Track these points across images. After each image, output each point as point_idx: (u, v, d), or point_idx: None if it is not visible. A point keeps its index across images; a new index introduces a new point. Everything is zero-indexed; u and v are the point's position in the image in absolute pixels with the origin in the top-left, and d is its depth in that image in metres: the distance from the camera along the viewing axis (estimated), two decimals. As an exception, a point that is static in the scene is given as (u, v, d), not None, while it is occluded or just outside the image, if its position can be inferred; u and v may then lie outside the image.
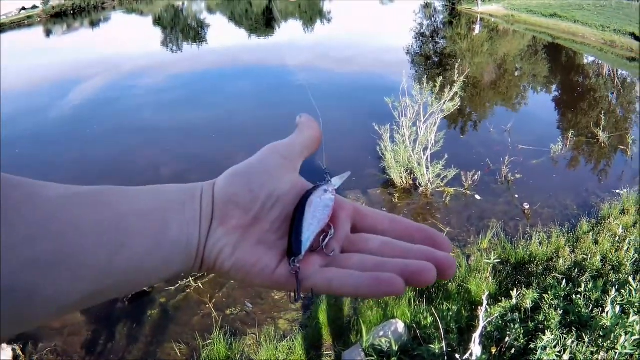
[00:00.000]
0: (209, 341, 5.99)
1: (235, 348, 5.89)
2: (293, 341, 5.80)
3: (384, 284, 0.63)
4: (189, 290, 7.08)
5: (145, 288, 6.68)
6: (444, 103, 8.68)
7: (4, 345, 6.23)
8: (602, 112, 11.99)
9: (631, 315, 4.57)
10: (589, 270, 5.99)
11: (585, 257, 6.42)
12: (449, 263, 0.67)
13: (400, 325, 5.51)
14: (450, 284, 6.39)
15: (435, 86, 8.64)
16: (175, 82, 17.63)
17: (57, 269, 0.53)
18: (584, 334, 4.61)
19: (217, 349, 5.79)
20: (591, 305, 5.15)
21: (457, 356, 4.32)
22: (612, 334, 4.50)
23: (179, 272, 0.67)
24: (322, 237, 0.72)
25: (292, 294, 0.69)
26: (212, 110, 14.36)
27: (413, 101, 8.72)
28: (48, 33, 33.07)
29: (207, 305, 6.76)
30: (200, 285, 7.12)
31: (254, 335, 6.18)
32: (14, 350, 6.23)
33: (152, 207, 0.64)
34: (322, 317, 6.11)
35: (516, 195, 8.82)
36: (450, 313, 5.60)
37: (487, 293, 4.52)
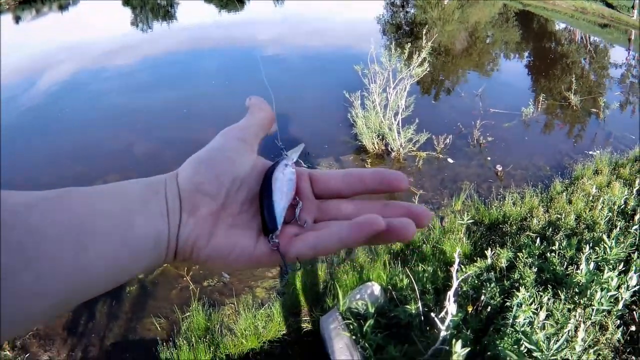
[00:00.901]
0: (188, 314, 6.02)
1: (214, 319, 5.90)
2: (271, 308, 5.82)
3: (366, 224, 0.63)
4: (165, 265, 6.98)
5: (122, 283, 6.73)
6: (413, 69, 8.67)
7: None
8: (574, 77, 12.07)
9: (606, 271, 4.61)
10: (563, 229, 6.05)
11: (559, 216, 6.48)
12: (424, 213, 0.69)
13: (376, 288, 5.54)
14: (424, 245, 6.45)
15: (403, 53, 8.63)
16: (145, 63, 17.36)
17: (19, 277, 0.52)
18: (559, 292, 4.67)
19: (197, 320, 5.80)
20: (566, 263, 5.22)
21: (433, 315, 4.33)
22: (588, 291, 4.54)
23: (151, 267, 0.67)
24: (294, 210, 0.75)
25: (282, 268, 0.73)
26: (183, 90, 14.20)
27: (382, 68, 8.70)
28: (17, 19, 32.66)
29: (184, 279, 6.76)
30: (177, 259, 7.07)
31: (232, 305, 6.20)
32: None
33: (115, 207, 0.63)
34: (299, 283, 6.14)
35: (489, 158, 8.85)
36: (426, 274, 5.65)
37: (458, 251, 4.52)
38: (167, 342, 5.52)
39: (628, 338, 4.55)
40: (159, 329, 6.06)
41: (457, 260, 4.25)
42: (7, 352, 6.01)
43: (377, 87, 8.79)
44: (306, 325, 5.73)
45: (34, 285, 0.53)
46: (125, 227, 0.62)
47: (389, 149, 9.17)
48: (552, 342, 3.46)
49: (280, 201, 0.72)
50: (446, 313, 4.24)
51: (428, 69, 8.94)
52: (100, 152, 10.85)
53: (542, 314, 4.17)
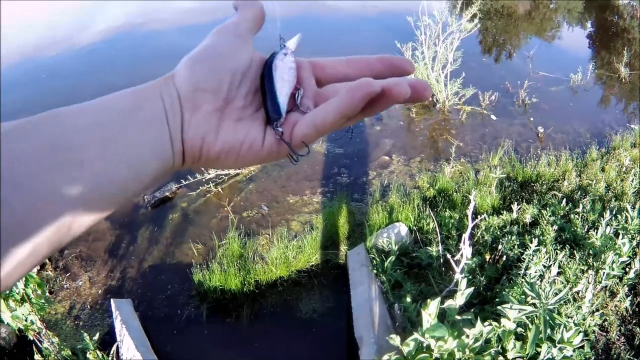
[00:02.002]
0: (225, 241, 6.29)
1: (248, 247, 6.20)
2: (303, 241, 6.09)
3: (359, 87, 0.63)
4: (209, 195, 7.36)
5: (167, 194, 7.04)
6: (463, 22, 8.72)
7: None
8: (630, 52, 11.82)
9: (620, 237, 4.71)
10: (590, 195, 6.13)
11: (590, 182, 6.54)
12: (422, 85, 0.68)
13: (403, 229, 5.76)
14: (455, 194, 6.61)
15: (455, 7, 8.65)
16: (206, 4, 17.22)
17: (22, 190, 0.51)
18: (575, 252, 4.81)
19: (232, 247, 6.08)
20: (587, 226, 5.34)
21: (449, 256, 4.50)
22: (602, 255, 4.67)
23: (158, 175, 0.66)
24: (295, 96, 0.74)
25: (291, 157, 0.72)
26: None
27: (434, 21, 8.76)
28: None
29: (225, 209, 7.05)
30: (220, 190, 7.41)
31: (267, 236, 6.48)
32: None
33: (107, 118, 0.61)
34: (332, 219, 6.38)
35: (532, 119, 8.85)
36: (452, 220, 5.81)
37: (474, 192, 4.67)
38: (202, 267, 5.84)
39: (637, 309, 4.67)
40: (196, 254, 6.37)
41: (472, 202, 4.40)
42: (50, 272, 6.33)
43: (427, 39, 8.88)
44: (334, 258, 5.99)
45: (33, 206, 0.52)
46: (117, 140, 0.60)
47: (435, 101, 9.24)
48: (552, 291, 3.63)
49: (282, 89, 0.72)
50: (461, 256, 4.42)
51: (478, 25, 8.94)
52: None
53: (554, 270, 4.33)
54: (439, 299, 3.70)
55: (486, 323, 3.60)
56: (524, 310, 3.57)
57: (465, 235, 4.28)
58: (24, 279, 3.98)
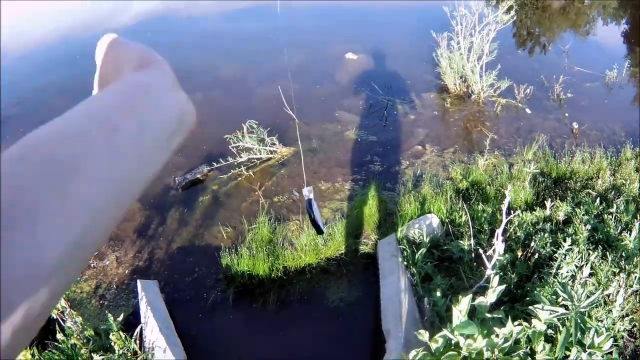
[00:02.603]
0: (254, 225, 6.34)
1: (278, 232, 6.24)
2: (333, 228, 6.09)
3: None
4: (240, 178, 7.39)
5: (199, 176, 7.05)
6: (500, 14, 8.65)
7: None
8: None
9: (655, 240, 4.67)
10: (624, 195, 6.04)
11: (624, 182, 6.44)
12: None
13: (435, 220, 5.74)
14: (489, 187, 6.57)
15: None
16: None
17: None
18: (608, 253, 4.76)
19: (262, 232, 6.12)
20: (620, 227, 5.28)
21: (481, 251, 4.49)
22: (635, 258, 4.63)
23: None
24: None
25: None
26: (269, 17, 14.18)
27: (470, 11, 8.71)
28: None
29: (256, 193, 7.09)
30: (251, 173, 7.45)
31: (297, 222, 6.50)
32: None
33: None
34: (363, 208, 6.39)
35: (566, 114, 8.73)
36: (485, 214, 5.78)
37: (509, 187, 4.63)
38: (230, 250, 5.85)
39: (668, 316, 4.60)
40: (225, 237, 6.40)
41: (507, 198, 4.38)
42: None
43: (463, 29, 8.83)
44: (364, 248, 6.00)
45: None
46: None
47: (470, 92, 9.20)
48: (585, 294, 3.61)
49: (319, 216, 2.27)
50: (494, 251, 4.41)
51: (514, 17, 8.87)
52: (186, 72, 11.08)
53: (586, 271, 4.31)
54: (470, 295, 3.70)
55: (516, 323, 3.59)
56: (556, 312, 3.56)
57: (499, 231, 4.27)
58: None
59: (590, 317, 3.97)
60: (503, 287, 3.90)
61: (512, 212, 4.99)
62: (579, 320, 3.49)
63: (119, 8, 15.46)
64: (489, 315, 3.84)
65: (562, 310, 3.56)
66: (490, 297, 3.84)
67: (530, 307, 3.73)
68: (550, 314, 3.56)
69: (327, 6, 14.36)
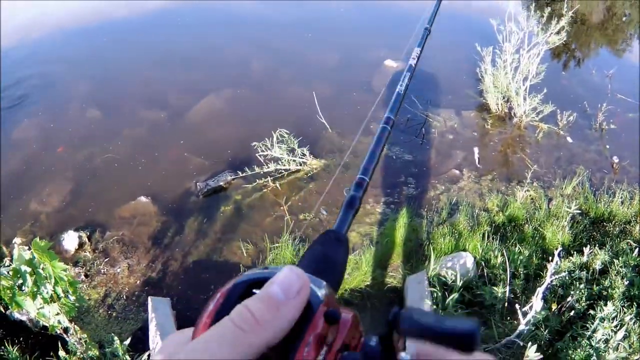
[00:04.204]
0: (277, 245, 6.26)
1: (301, 255, 6.10)
2: (360, 256, 6.05)
3: None
4: (265, 190, 7.36)
5: (222, 184, 7.02)
6: (550, 35, 8.59)
7: (70, 231, 6.60)
8: None
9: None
10: (663, 244, 6.01)
11: (662, 229, 6.40)
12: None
13: (469, 260, 5.71)
14: (526, 225, 6.52)
15: (542, 16, 8.52)
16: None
17: None
18: None
19: (284, 253, 6.06)
20: (657, 284, 5.26)
21: (517, 306, 4.51)
22: None
23: None
24: None
25: None
26: (310, 10, 14.26)
27: (518, 28, 8.60)
28: None
29: (282, 208, 7.01)
30: (277, 185, 7.40)
31: (323, 245, 6.40)
32: (80, 237, 6.58)
33: None
34: (395, 236, 6.37)
35: (607, 146, 8.67)
36: (521, 257, 5.75)
37: (559, 249, 4.64)
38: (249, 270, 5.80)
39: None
40: (245, 254, 6.39)
41: (555, 259, 4.40)
42: (88, 253, 6.42)
43: (510, 47, 8.74)
44: (391, 281, 5.97)
45: None
46: None
47: (512, 114, 9.15)
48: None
49: None
50: (530, 308, 4.43)
51: (564, 39, 8.79)
52: (216, 60, 11.22)
53: (620, 334, 4.34)
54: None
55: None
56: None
57: (540, 289, 4.31)
58: (52, 279, 3.99)
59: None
60: (540, 357, 3.92)
61: (550, 260, 4.97)
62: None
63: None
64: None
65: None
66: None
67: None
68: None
69: (369, 6, 14.29)
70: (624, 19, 15.41)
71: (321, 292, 0.67)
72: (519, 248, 5.95)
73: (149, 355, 4.80)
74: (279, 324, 0.58)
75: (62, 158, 8.29)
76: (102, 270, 6.23)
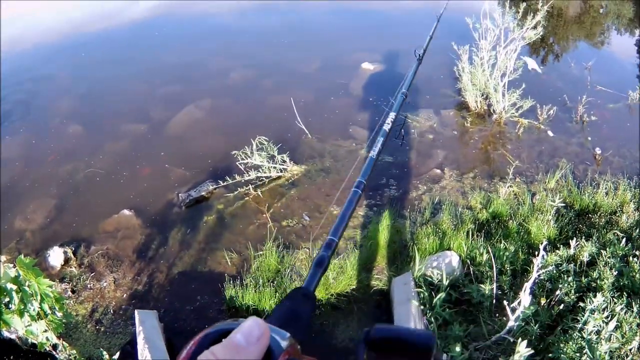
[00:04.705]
0: (261, 252, 6.19)
1: (286, 261, 6.11)
2: (345, 260, 5.97)
3: None
4: (247, 198, 7.28)
5: (203, 194, 6.93)
6: (526, 30, 8.53)
7: (55, 247, 6.51)
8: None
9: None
10: (651, 233, 5.94)
11: (649, 217, 6.34)
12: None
13: (454, 258, 5.63)
14: (511, 221, 6.43)
15: (518, 12, 8.49)
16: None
17: None
18: (633, 303, 4.68)
19: (268, 261, 6.00)
20: (646, 273, 5.18)
21: (506, 303, 4.42)
22: None
23: None
24: None
25: None
26: (286, 17, 14.24)
27: (494, 25, 8.54)
28: None
29: (264, 215, 6.93)
30: (259, 193, 7.32)
31: (307, 250, 6.37)
32: (65, 252, 6.49)
33: None
34: (379, 238, 6.28)
35: (589, 138, 8.63)
36: (507, 253, 5.66)
37: (545, 243, 4.56)
38: (234, 280, 5.75)
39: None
40: (230, 263, 6.30)
41: (541, 253, 4.32)
42: (74, 269, 6.33)
43: (487, 44, 8.70)
44: (377, 283, 5.86)
45: None
46: None
47: (492, 111, 9.10)
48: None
49: None
50: (519, 304, 4.34)
51: (541, 34, 8.75)
52: (197, 73, 11.19)
53: (612, 325, 4.24)
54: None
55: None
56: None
57: (527, 285, 4.23)
58: (39, 296, 3.99)
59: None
60: (530, 352, 3.81)
61: (536, 255, 4.87)
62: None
63: (126, 3, 15.44)
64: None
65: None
66: (515, 363, 3.76)
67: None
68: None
69: (343, 10, 14.28)
70: (601, 10, 15.44)
71: (284, 343, 0.79)
72: (504, 244, 5.85)
73: None
74: None
75: (46, 173, 8.23)
76: (89, 285, 6.14)
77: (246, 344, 0.67)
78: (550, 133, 8.69)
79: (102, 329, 5.61)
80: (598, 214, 6.59)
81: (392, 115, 2.26)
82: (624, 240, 5.61)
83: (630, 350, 4.27)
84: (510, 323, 4.41)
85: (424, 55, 3.52)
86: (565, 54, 12.40)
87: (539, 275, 5.04)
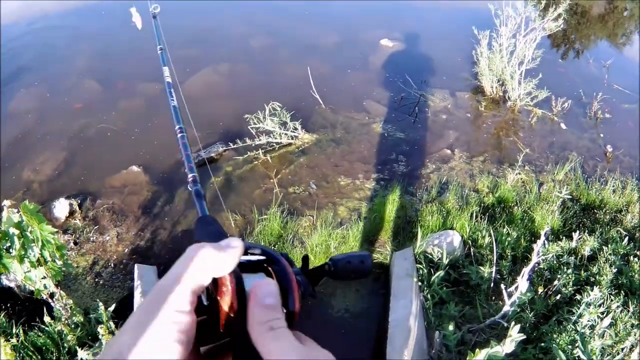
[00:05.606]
0: (265, 216, 6.16)
1: (289, 227, 6.07)
2: (348, 230, 5.92)
3: None
4: (256, 162, 7.24)
5: (213, 155, 6.88)
6: (547, 21, 8.42)
7: (61, 199, 6.49)
8: None
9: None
10: (654, 236, 5.87)
11: (654, 220, 6.27)
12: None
13: (456, 238, 5.57)
14: (516, 207, 6.38)
15: (540, 2, 8.38)
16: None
17: None
18: (630, 302, 4.62)
19: (272, 225, 5.98)
20: (646, 274, 5.11)
21: (503, 286, 4.36)
22: None
23: None
24: None
25: None
26: None
27: (516, 12, 8.43)
28: None
29: (272, 180, 6.86)
30: (269, 158, 7.28)
31: (310, 218, 6.33)
32: (70, 204, 6.46)
33: None
34: (382, 211, 6.24)
35: (601, 135, 8.51)
36: (509, 239, 5.59)
37: (547, 229, 4.49)
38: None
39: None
40: (233, 225, 6.23)
41: (542, 239, 4.25)
42: (78, 221, 6.30)
43: (507, 31, 8.59)
44: (378, 256, 5.81)
45: None
46: None
47: (506, 97, 9.00)
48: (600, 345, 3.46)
49: None
50: (516, 289, 4.28)
51: (562, 26, 8.63)
52: (218, 37, 11.15)
53: (606, 321, 4.17)
54: (487, 349, 3.55)
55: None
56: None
57: (526, 270, 4.16)
58: (40, 242, 3.94)
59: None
60: (522, 337, 3.74)
61: (539, 243, 4.80)
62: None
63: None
64: (503, 366, 3.68)
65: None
66: (508, 346, 3.68)
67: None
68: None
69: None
70: (625, 13, 15.23)
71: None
72: (507, 229, 5.77)
73: None
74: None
75: (59, 126, 8.17)
76: (92, 238, 6.10)
77: (225, 246, 0.77)
78: (563, 125, 8.58)
79: (101, 282, 5.59)
80: (603, 211, 6.50)
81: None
82: (626, 239, 5.54)
83: (623, 349, 4.21)
84: (506, 307, 4.34)
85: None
86: (586, 51, 12.19)
87: (538, 264, 5.00)
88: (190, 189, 1.59)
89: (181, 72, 9.43)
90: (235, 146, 7.25)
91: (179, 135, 1.95)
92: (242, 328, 0.73)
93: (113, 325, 4.46)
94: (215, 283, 0.77)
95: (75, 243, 6.04)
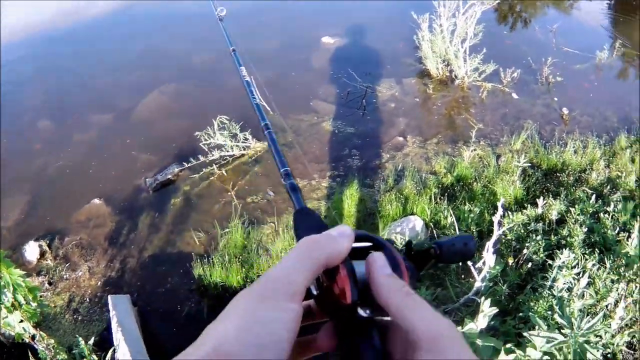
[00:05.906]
0: (227, 230, 6.09)
1: (252, 237, 5.98)
2: (310, 231, 5.73)
3: None
4: (212, 177, 7.17)
5: (169, 177, 6.88)
6: (483, -5, 8.35)
7: (30, 242, 6.43)
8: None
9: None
10: (621, 190, 5.84)
11: (619, 174, 6.25)
12: None
13: (418, 223, 5.49)
14: (475, 183, 6.32)
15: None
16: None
17: None
18: (606, 258, 4.51)
19: (234, 238, 5.89)
20: (618, 228, 5.03)
21: (470, 263, 4.24)
22: (635, 265, 4.36)
23: None
24: None
25: None
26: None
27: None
28: None
29: (229, 193, 6.84)
30: (224, 172, 7.19)
31: (272, 225, 6.24)
32: (40, 246, 6.40)
33: None
34: (342, 207, 6.17)
35: (555, 99, 8.47)
36: (472, 215, 5.52)
37: (502, 201, 4.33)
38: (202, 258, 5.67)
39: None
40: (197, 243, 6.17)
41: (500, 211, 4.10)
42: (50, 261, 6.25)
43: (446, 11, 8.50)
44: (343, 251, 5.66)
45: None
46: None
47: (454, 76, 8.91)
48: (585, 321, 3.30)
49: None
50: (483, 264, 4.14)
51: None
52: (157, 62, 11.00)
53: (584, 281, 4.04)
54: (460, 329, 3.38)
55: (511, 357, 3.28)
56: (553, 340, 3.25)
57: (489, 244, 4.00)
58: (11, 286, 3.99)
59: (589, 342, 3.65)
60: (495, 310, 3.57)
61: (501, 213, 4.67)
62: (578, 350, 3.18)
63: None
64: (479, 342, 3.51)
65: (560, 337, 3.24)
66: (481, 322, 3.52)
67: (525, 334, 3.42)
68: (548, 342, 3.25)
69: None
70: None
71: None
72: (469, 206, 5.72)
73: (113, 350, 4.71)
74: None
75: (19, 169, 8.08)
76: (65, 276, 6.07)
77: (338, 236, 0.76)
78: (514, 95, 8.52)
79: (79, 318, 5.52)
80: (566, 173, 6.44)
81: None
82: (593, 197, 5.48)
83: (607, 306, 4.08)
84: (477, 284, 4.20)
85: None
86: (533, 19, 12.23)
87: (504, 235, 4.86)
88: (284, 182, 1.49)
89: (128, 98, 9.43)
90: (190, 165, 7.19)
91: (265, 131, 1.76)
92: (352, 315, 0.72)
93: (95, 358, 4.47)
94: (326, 272, 0.75)
95: (50, 283, 6.01)
